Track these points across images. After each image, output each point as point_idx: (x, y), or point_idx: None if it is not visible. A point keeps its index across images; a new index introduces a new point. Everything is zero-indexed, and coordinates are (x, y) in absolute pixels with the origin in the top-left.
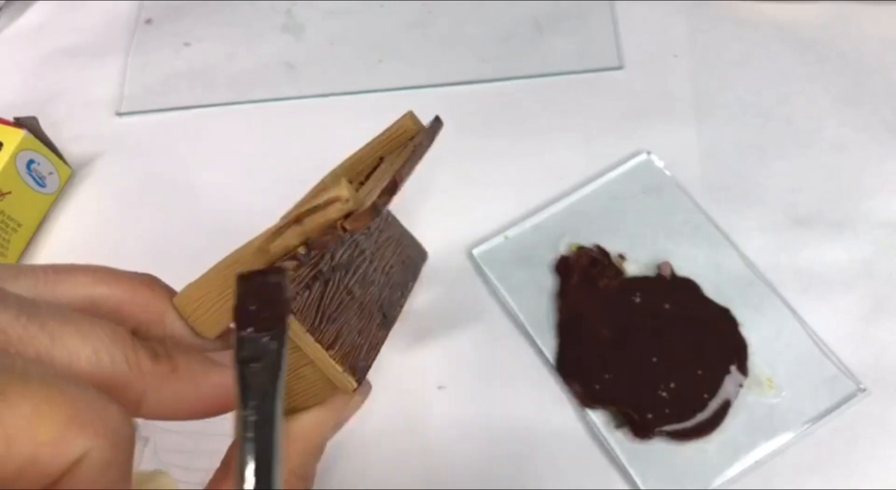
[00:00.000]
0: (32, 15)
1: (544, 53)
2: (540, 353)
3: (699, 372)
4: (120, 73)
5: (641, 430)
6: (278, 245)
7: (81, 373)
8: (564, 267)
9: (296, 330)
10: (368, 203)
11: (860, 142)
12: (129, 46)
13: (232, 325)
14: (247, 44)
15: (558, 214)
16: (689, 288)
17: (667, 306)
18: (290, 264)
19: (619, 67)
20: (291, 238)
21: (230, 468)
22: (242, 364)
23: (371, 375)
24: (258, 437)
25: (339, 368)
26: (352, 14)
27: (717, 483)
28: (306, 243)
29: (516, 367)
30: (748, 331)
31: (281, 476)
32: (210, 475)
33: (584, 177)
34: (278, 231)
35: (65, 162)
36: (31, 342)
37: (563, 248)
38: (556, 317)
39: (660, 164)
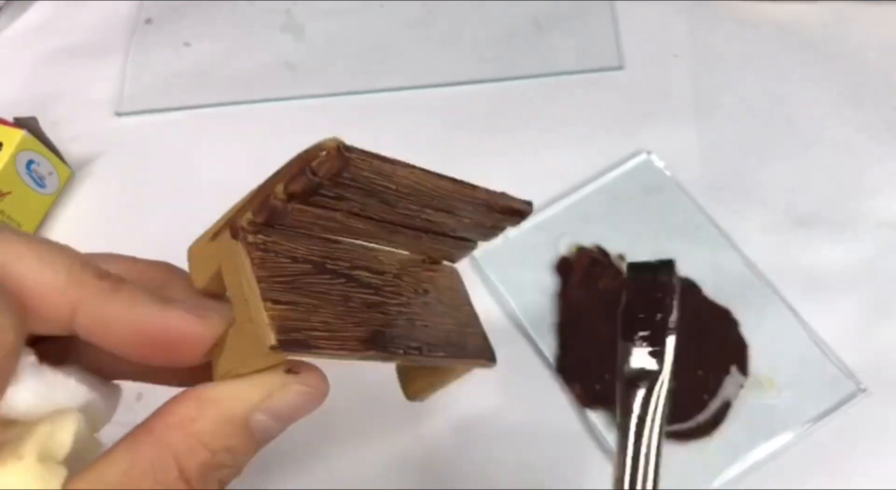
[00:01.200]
0: (32, 15)
1: (544, 53)
2: (540, 353)
3: (699, 372)
4: (120, 73)
5: None
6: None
7: (13, 275)
8: (565, 267)
9: (246, 272)
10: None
11: (861, 142)
12: (128, 46)
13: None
14: (247, 44)
15: (558, 214)
16: (689, 288)
17: None
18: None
19: (619, 67)
20: (275, 184)
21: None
22: (626, 385)
23: (369, 376)
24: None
25: (265, 317)
26: (352, 14)
27: (717, 483)
28: (286, 190)
29: (516, 367)
30: (749, 331)
31: None
32: None
33: (584, 177)
34: (268, 181)
35: (64, 162)
36: None
37: (563, 249)
38: (556, 317)
39: (660, 164)
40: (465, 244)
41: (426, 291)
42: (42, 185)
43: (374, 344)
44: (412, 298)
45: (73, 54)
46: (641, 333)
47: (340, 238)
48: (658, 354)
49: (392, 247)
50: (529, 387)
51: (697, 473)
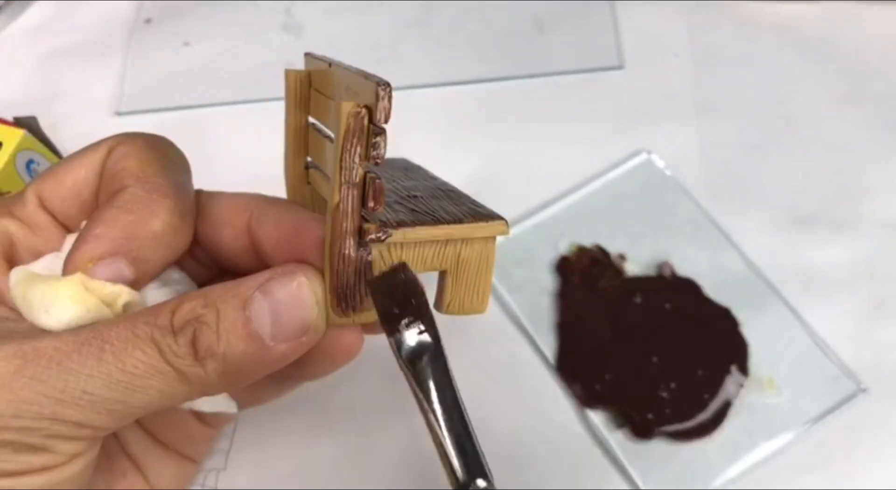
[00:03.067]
0: (32, 15)
1: (544, 53)
2: (540, 353)
3: (700, 372)
4: (119, 73)
5: (642, 430)
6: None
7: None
8: (565, 267)
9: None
10: (371, 92)
11: (861, 141)
12: (128, 46)
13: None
14: (247, 43)
15: (558, 214)
16: (689, 288)
17: (667, 306)
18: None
19: (620, 67)
20: (358, 168)
21: None
22: (409, 364)
23: (369, 374)
24: (452, 428)
25: (487, 221)
26: (352, 14)
27: (717, 483)
28: (368, 160)
29: (516, 367)
30: (749, 331)
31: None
32: (207, 476)
33: (584, 177)
34: (340, 178)
35: None
36: None
37: (563, 248)
38: (557, 317)
39: (660, 164)
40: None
41: (407, 174)
42: None
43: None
44: (416, 183)
45: (72, 54)
46: (404, 321)
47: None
48: (429, 328)
49: None
50: (529, 387)
51: (697, 473)
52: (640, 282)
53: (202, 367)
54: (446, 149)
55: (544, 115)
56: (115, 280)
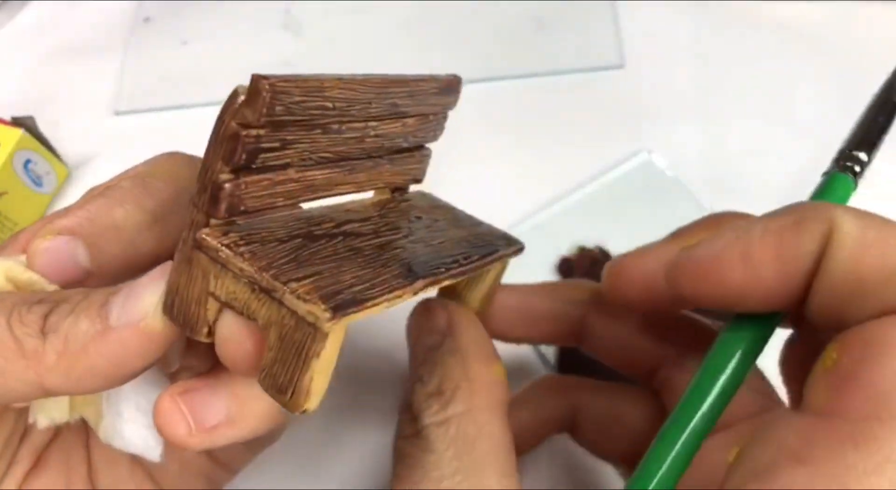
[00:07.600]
0: (30, 14)
1: (545, 52)
2: (540, 353)
3: None
4: (118, 72)
5: None
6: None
7: None
8: (566, 267)
9: (249, 270)
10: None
11: None
12: (127, 45)
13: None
14: (245, 42)
15: (559, 214)
16: None
17: None
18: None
19: (620, 66)
20: (217, 172)
21: None
22: None
23: (372, 374)
24: None
25: (303, 291)
26: (352, 14)
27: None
28: (230, 164)
29: (516, 367)
30: None
31: None
32: None
33: (585, 177)
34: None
35: (62, 161)
36: None
37: (564, 249)
38: None
39: (661, 163)
40: (420, 154)
41: (418, 217)
42: (39, 185)
43: (416, 274)
44: (412, 226)
45: (71, 53)
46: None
47: (307, 201)
48: None
49: (357, 188)
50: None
51: None
52: None
53: (42, 340)
54: (445, 148)
55: (544, 115)
56: (69, 263)
